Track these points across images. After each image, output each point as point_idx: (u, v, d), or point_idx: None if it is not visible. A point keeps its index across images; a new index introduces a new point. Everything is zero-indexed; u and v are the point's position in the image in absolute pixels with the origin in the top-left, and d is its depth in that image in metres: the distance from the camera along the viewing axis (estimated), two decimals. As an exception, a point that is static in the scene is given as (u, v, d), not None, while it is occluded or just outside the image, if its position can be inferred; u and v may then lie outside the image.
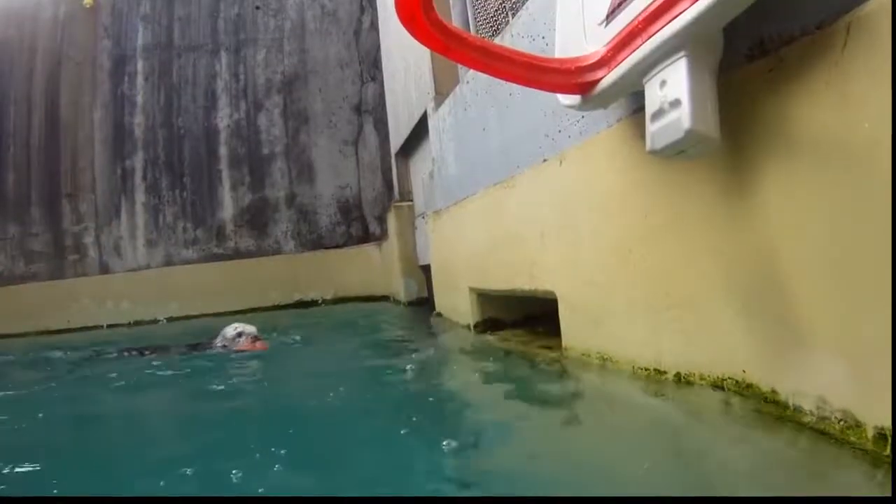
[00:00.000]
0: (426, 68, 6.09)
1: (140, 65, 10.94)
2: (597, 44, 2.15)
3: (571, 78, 2.18)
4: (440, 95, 5.74)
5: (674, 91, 1.81)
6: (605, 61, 2.09)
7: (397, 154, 8.97)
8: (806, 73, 1.65)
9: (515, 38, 3.56)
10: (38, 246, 10.48)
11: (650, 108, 1.93)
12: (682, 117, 1.77)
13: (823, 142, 1.62)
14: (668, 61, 1.83)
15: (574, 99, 2.29)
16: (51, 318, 9.73)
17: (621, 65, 2.01)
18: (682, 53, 1.78)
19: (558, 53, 2.44)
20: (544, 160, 3.38)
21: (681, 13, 1.72)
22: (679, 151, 1.87)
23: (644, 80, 1.96)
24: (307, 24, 11.07)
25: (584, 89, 2.20)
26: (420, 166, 7.76)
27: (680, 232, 2.27)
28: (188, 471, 2.11)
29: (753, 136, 1.85)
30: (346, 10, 11.10)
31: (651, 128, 1.93)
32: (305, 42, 11.06)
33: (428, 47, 2.10)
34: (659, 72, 1.88)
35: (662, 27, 1.79)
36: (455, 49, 2.08)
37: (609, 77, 2.09)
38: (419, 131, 7.12)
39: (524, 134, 3.62)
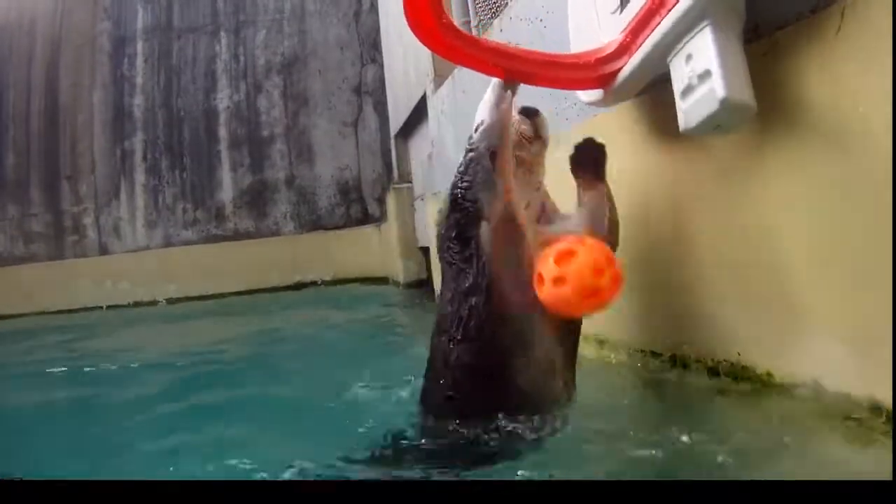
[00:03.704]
0: (425, 50, 6.06)
1: (140, 46, 10.91)
2: (612, 33, 2.07)
3: (591, 72, 2.09)
4: (439, 77, 5.72)
5: (701, 63, 1.72)
6: (625, 48, 2.01)
7: (397, 136, 8.95)
8: (800, 56, 1.66)
9: (514, 20, 3.55)
10: (38, 227, 10.49)
11: (678, 85, 1.84)
12: (714, 87, 1.66)
13: (818, 125, 1.63)
14: (692, 33, 1.74)
15: (596, 94, 2.20)
16: (50, 298, 9.76)
17: (642, 47, 1.93)
18: (705, 22, 1.70)
19: (573, 49, 2.35)
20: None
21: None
22: (715, 126, 1.76)
23: (668, 59, 1.87)
24: (307, 6, 11.01)
25: (606, 81, 2.11)
26: (419, 148, 7.75)
27: (676, 214, 2.28)
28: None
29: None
30: (345, -9, 11.06)
31: (682, 105, 1.83)
32: (305, 23, 11.01)
33: (443, 56, 2.07)
34: (683, 46, 1.79)
35: (681, -2, 1.71)
36: (470, 54, 2.04)
37: (631, 63, 2.01)
38: (418, 113, 7.11)
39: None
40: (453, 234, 2.08)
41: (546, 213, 2.28)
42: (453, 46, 2.01)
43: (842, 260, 1.60)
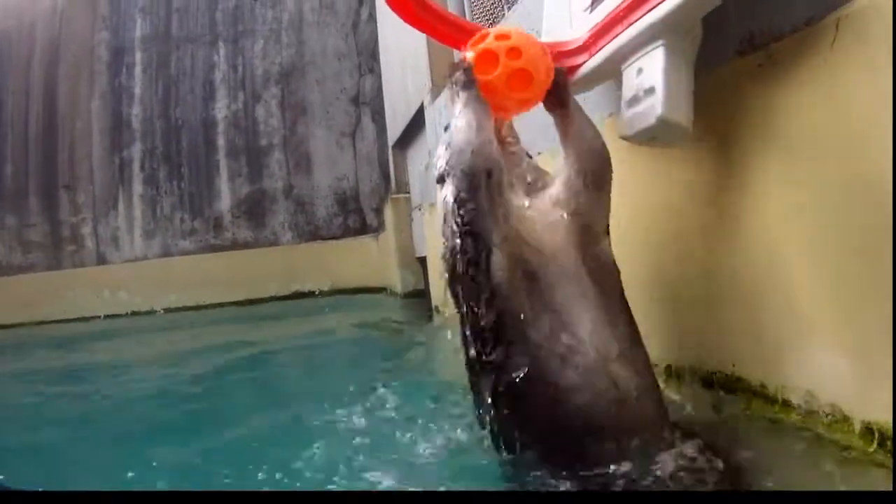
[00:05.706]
0: (423, 60, 6.07)
1: (138, 56, 10.92)
2: (581, 30, 2.18)
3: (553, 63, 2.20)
4: (437, 88, 5.72)
5: (649, 79, 1.85)
6: (586, 47, 2.13)
7: (394, 146, 8.94)
8: (795, 68, 1.65)
9: (510, 30, 3.55)
10: (36, 236, 10.48)
11: (626, 94, 1.98)
12: (655, 105, 1.82)
13: (812, 137, 1.63)
14: (646, 50, 1.87)
15: None
16: (47, 308, 9.72)
17: (601, 51, 2.05)
18: (659, 42, 1.82)
19: (544, 38, 2.44)
20: (538, 153, 3.37)
21: (660, 2, 1.75)
22: (651, 138, 1.93)
23: (622, 68, 2.01)
24: (305, 16, 11.02)
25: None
26: (417, 158, 7.75)
27: (669, 225, 2.28)
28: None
29: (742, 130, 1.86)
30: (344, 1, 11.03)
31: (626, 113, 1.99)
32: (303, 33, 11.02)
33: (406, 22, 2.12)
34: (637, 60, 1.93)
35: (642, 16, 1.82)
36: (433, 26, 2.10)
37: (589, 63, 2.12)
38: (416, 123, 7.11)
39: (518, 126, 3.60)
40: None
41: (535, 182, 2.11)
42: (421, 18, 2.11)
43: (839, 270, 1.59)
